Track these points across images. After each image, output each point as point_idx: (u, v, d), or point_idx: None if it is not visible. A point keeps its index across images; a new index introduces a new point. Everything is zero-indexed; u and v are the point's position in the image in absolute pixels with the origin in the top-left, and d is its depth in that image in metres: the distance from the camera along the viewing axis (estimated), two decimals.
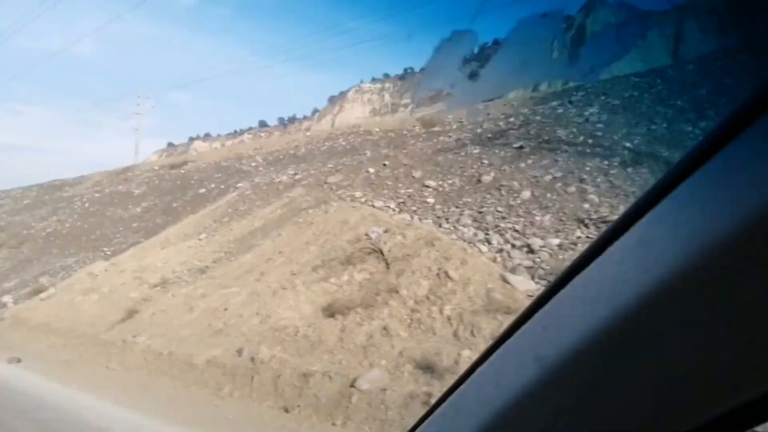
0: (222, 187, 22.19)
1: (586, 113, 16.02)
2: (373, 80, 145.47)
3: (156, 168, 31.59)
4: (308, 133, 40.32)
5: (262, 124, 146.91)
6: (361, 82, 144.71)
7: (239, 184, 20.51)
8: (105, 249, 20.22)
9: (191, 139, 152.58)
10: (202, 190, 22.64)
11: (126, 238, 20.71)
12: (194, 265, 13.17)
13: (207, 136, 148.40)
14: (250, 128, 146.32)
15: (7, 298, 17.20)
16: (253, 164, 23.72)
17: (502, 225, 10.36)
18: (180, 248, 15.14)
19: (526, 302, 6.39)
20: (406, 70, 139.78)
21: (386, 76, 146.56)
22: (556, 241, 9.25)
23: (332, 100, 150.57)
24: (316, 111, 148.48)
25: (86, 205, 26.62)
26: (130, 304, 11.32)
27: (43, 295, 14.38)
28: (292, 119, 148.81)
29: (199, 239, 15.39)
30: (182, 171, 27.70)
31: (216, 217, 17.28)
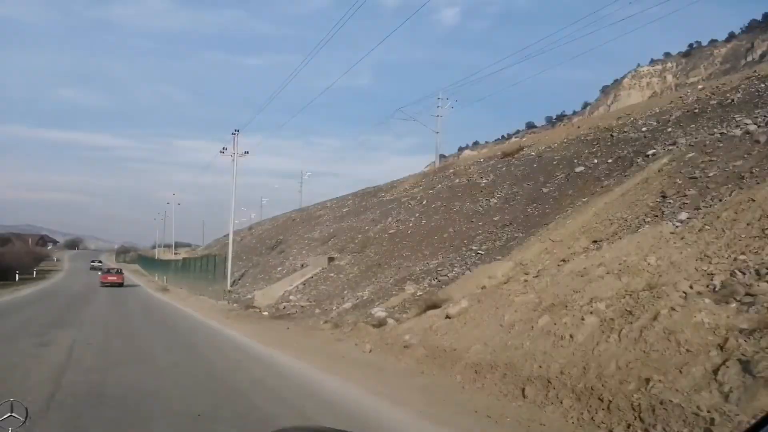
0: (609, 161, 16.02)
1: None
2: (652, 62, 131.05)
3: (481, 160, 27.27)
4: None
5: (530, 126, 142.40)
6: (638, 66, 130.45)
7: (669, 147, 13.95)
8: (474, 247, 15.72)
9: (460, 149, 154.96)
10: (580, 169, 16.81)
11: (496, 233, 15.97)
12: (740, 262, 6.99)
13: (475, 144, 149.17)
14: (518, 131, 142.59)
15: (379, 312, 13.59)
16: (644, 129, 17.02)
17: None
18: (646, 238, 9.19)
19: None
20: (691, 45, 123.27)
21: (667, 55, 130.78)
22: None
23: (605, 90, 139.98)
24: (587, 104, 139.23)
25: (424, 203, 23.28)
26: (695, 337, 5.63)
27: (451, 310, 9.83)
28: (561, 116, 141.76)
29: (678, 224, 9.23)
30: (520, 157, 22.54)
31: (666, 193, 11.04)
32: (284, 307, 18.56)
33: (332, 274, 20.35)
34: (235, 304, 23.91)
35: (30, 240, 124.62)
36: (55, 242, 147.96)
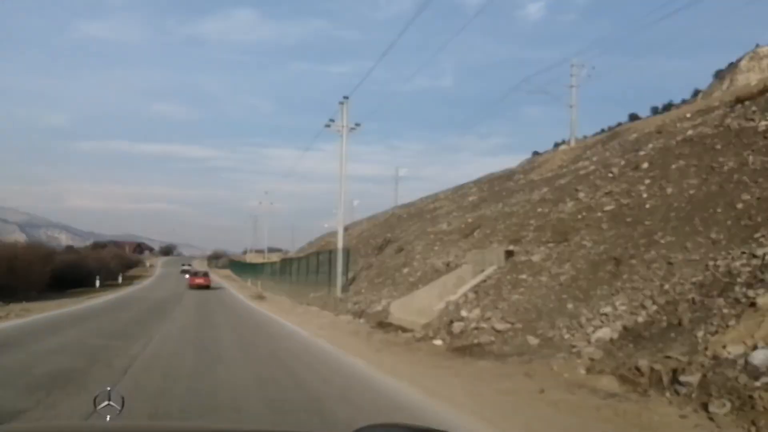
0: None
1: None
2: None
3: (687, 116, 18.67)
4: None
5: (633, 117, 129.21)
6: (757, 46, 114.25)
7: None
8: None
9: (556, 145, 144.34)
10: None
11: None
12: None
13: (568, 141, 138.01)
14: (619, 124, 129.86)
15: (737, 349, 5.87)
16: None
17: None
18: None
19: None
20: None
21: None
22: None
23: (719, 74, 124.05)
24: (698, 92, 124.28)
25: (643, 167, 15.06)
26: None
27: None
28: (668, 106, 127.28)
29: None
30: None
31: None
32: (461, 331, 11.10)
33: (523, 276, 12.71)
34: (360, 320, 16.91)
35: (127, 247, 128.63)
36: (151, 249, 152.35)
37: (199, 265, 74.20)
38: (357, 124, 25.91)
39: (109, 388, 2.18)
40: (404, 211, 41.82)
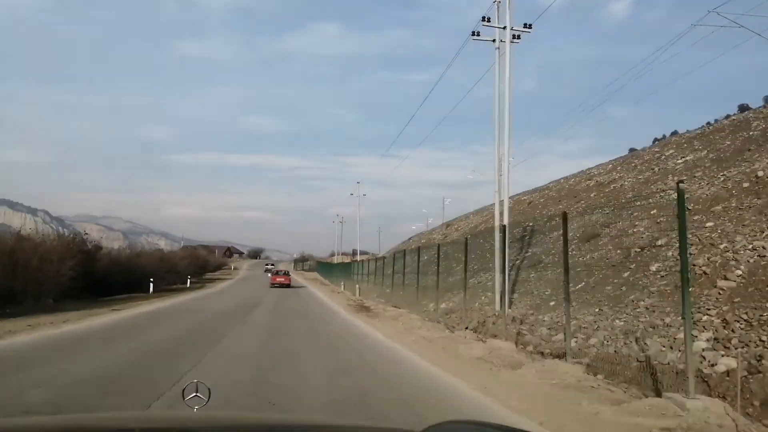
0: None
1: None
2: None
3: None
4: None
5: (743, 108, 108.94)
6: None
7: None
8: None
9: (656, 140, 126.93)
10: None
11: None
12: None
13: (673, 134, 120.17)
14: (727, 116, 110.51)
15: None
16: None
17: None
18: None
19: None
20: None
21: None
22: None
23: None
24: None
25: None
26: None
27: None
28: None
29: None
30: None
31: None
32: None
33: None
34: (586, 372, 6.66)
35: (216, 251, 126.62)
36: (240, 253, 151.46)
37: (285, 267, 68.75)
38: (528, 25, 15.47)
39: (196, 381, 2.19)
40: (551, 193, 30.92)
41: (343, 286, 40.89)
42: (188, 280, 37.40)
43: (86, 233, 27.68)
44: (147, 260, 32.26)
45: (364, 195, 61.00)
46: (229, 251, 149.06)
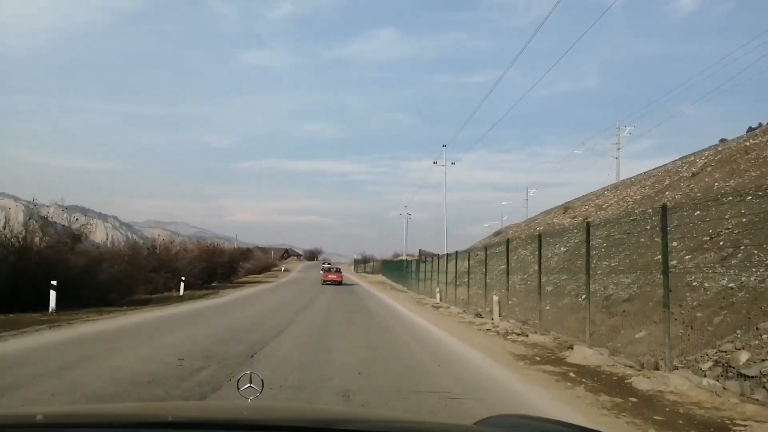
0: None
1: None
2: None
3: None
4: None
5: None
6: None
7: None
8: None
9: (750, 129, 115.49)
10: None
11: None
12: None
13: (759, 126, 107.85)
14: None
15: None
16: None
17: None
18: None
19: None
20: None
21: None
22: None
23: None
24: None
25: None
26: None
27: None
28: None
29: None
30: None
31: None
32: None
33: None
34: None
35: (273, 252, 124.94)
36: (298, 255, 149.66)
37: (346, 270, 62.47)
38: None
39: (250, 372, 2.25)
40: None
41: (438, 296, 26.94)
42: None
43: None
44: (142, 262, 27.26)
45: (452, 163, 49.27)
46: (287, 253, 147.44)
